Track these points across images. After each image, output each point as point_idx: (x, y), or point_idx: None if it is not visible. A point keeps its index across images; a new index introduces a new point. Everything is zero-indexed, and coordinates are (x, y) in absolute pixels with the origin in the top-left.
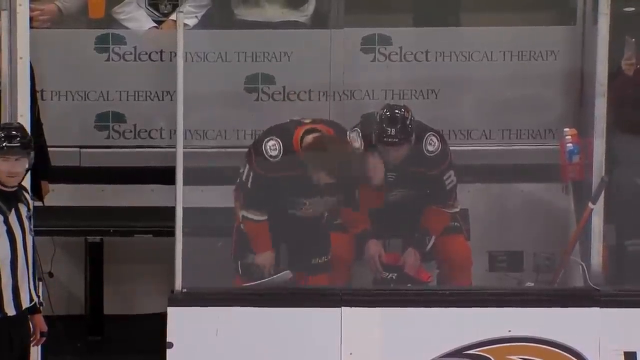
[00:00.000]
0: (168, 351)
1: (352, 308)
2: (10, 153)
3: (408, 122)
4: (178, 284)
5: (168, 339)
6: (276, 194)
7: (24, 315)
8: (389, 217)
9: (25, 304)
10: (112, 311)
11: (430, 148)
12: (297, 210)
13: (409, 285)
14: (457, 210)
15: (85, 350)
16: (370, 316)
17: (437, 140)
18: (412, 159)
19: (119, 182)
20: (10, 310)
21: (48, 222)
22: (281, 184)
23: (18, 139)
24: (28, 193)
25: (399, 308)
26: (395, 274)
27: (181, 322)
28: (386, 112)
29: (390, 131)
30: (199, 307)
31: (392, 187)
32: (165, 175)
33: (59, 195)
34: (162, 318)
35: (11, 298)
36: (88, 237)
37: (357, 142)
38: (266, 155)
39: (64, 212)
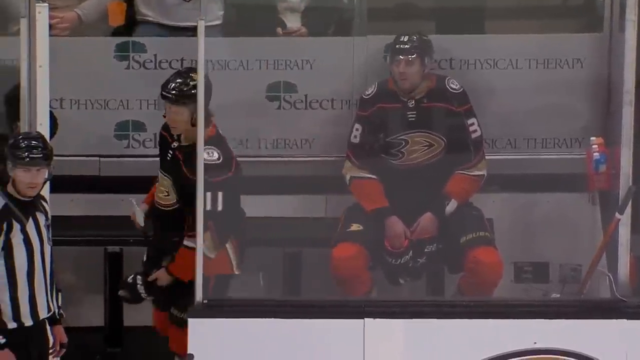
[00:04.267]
0: None
1: (375, 319)
2: (31, 164)
3: (421, 37)
4: (199, 295)
5: (189, 351)
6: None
7: (41, 325)
8: (407, 185)
9: (43, 314)
10: (131, 322)
11: (453, 86)
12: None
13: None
14: (483, 174)
15: None
16: (393, 327)
17: (459, 84)
18: (435, 95)
19: (139, 192)
20: (27, 321)
21: (67, 231)
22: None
23: (39, 149)
24: (46, 202)
25: (423, 319)
26: (434, 246)
27: (202, 334)
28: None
29: (403, 38)
30: (220, 319)
31: (414, 127)
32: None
33: (77, 204)
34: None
35: (28, 308)
36: (107, 247)
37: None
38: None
39: (83, 222)
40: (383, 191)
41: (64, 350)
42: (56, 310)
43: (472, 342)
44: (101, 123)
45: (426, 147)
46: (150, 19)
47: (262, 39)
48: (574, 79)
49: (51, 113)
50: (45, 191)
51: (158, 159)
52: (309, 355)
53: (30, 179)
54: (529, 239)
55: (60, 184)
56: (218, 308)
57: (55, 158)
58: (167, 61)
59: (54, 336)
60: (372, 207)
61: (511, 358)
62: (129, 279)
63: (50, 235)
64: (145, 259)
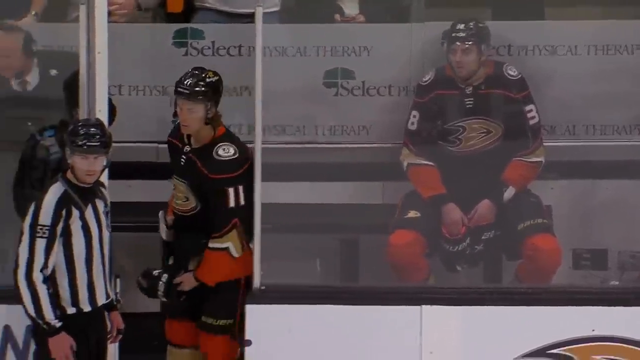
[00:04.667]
0: (247, 349)
1: (432, 306)
2: (89, 152)
3: (478, 24)
4: (256, 281)
5: (246, 337)
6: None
7: (100, 311)
8: (465, 172)
9: (101, 300)
10: None
11: (511, 72)
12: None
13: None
14: (541, 160)
15: (161, 348)
16: (451, 314)
17: (517, 70)
18: (492, 81)
19: None
20: (86, 307)
21: (125, 218)
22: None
23: (97, 137)
24: (105, 189)
25: (480, 307)
26: (492, 233)
27: (259, 320)
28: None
29: (459, 26)
30: (277, 305)
31: (471, 114)
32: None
33: (135, 191)
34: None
35: (86, 294)
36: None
37: None
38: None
39: (141, 208)
40: (440, 178)
41: (120, 336)
42: (114, 297)
43: (530, 330)
44: (159, 109)
45: (484, 134)
46: (209, 5)
47: (319, 26)
48: (633, 66)
49: (110, 100)
50: (104, 177)
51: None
52: (366, 342)
53: (88, 167)
54: (588, 226)
55: (118, 170)
56: (275, 294)
57: (113, 144)
58: (225, 48)
59: (112, 322)
60: (429, 194)
61: (569, 345)
62: (154, 272)
63: (109, 222)
64: (171, 262)
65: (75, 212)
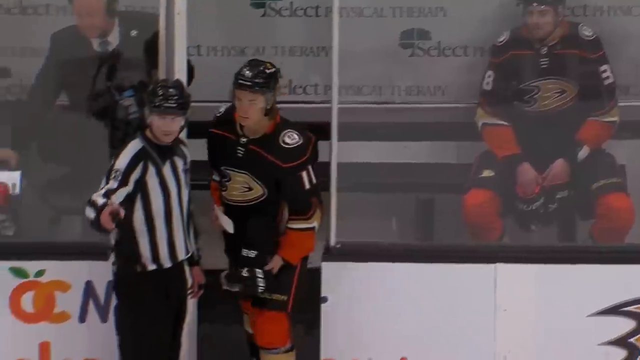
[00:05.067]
0: (323, 305)
1: (507, 264)
2: (167, 112)
3: None
4: (332, 239)
5: (322, 294)
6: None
7: (180, 267)
8: (539, 132)
9: (181, 256)
10: None
11: (587, 33)
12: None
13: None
14: (615, 120)
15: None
16: (525, 272)
17: (592, 31)
18: (567, 42)
19: None
20: (166, 263)
21: (203, 175)
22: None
23: (176, 98)
24: (186, 147)
25: (554, 265)
26: (565, 192)
27: (335, 277)
28: None
29: None
30: (352, 262)
31: (546, 74)
32: (320, 131)
33: None
34: (316, 273)
35: (166, 250)
36: None
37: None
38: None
39: None
40: (515, 138)
41: (201, 292)
42: (195, 252)
43: (603, 288)
44: (236, 70)
45: (558, 94)
46: None
47: None
48: None
49: (188, 60)
50: (183, 136)
51: (293, 105)
52: (441, 300)
53: (165, 127)
54: None
55: (197, 130)
56: (351, 252)
57: (192, 104)
58: (302, 9)
59: (193, 277)
60: (503, 153)
61: None
62: (243, 273)
63: (188, 180)
64: (246, 254)
65: (152, 168)
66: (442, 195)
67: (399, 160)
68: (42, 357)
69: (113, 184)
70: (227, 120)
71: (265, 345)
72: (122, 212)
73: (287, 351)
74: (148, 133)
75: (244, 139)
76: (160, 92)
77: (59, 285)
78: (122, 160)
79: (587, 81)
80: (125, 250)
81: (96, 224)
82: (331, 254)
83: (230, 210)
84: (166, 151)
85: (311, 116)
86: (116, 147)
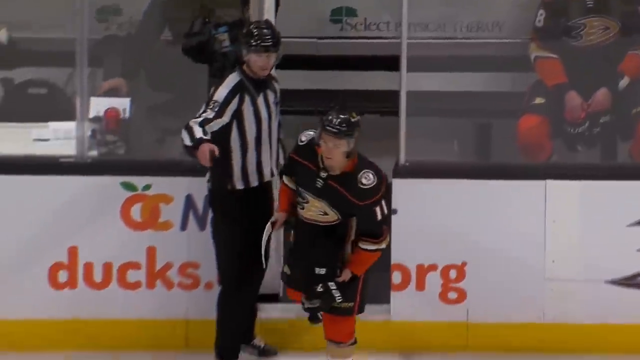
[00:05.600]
0: (393, 217)
1: (556, 181)
2: (262, 50)
3: None
4: (402, 158)
5: (393, 206)
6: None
7: (267, 186)
8: (585, 64)
9: (267, 177)
10: None
11: None
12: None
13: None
14: None
15: None
16: (572, 188)
17: None
18: None
19: (350, 69)
20: (254, 182)
21: (291, 102)
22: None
23: (269, 37)
24: (277, 82)
25: (598, 181)
26: (608, 117)
27: (404, 192)
28: None
29: None
30: (419, 179)
31: (592, 13)
32: (390, 63)
33: (296, 80)
34: (386, 188)
35: (255, 172)
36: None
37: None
38: None
39: (303, 95)
40: (563, 69)
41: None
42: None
43: None
44: (318, 8)
45: (602, 30)
46: None
47: None
48: None
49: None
50: (273, 72)
51: (367, 40)
52: (497, 212)
53: (262, 63)
54: None
55: (283, 62)
56: (418, 169)
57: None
58: None
59: None
60: (553, 82)
61: None
62: (318, 289)
63: (278, 111)
64: (321, 271)
65: (248, 99)
66: (499, 120)
67: (461, 89)
68: (149, 260)
69: (210, 114)
70: (309, 150)
71: (332, 339)
72: (217, 151)
73: (351, 344)
74: (245, 68)
75: (324, 174)
76: (256, 33)
77: (163, 198)
78: (221, 92)
79: (628, 19)
80: (219, 171)
81: (189, 151)
82: (400, 172)
83: (303, 225)
84: (260, 84)
85: (383, 50)
86: (215, 77)
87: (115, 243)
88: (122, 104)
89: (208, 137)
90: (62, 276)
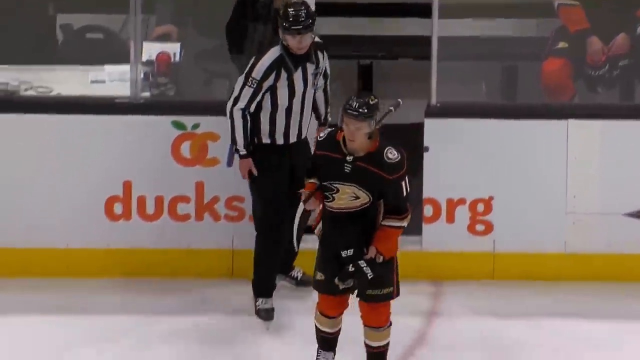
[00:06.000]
0: (425, 154)
1: (577, 120)
2: (294, 33)
3: None
4: (433, 99)
5: (425, 144)
6: None
7: (292, 146)
8: (606, 9)
9: (293, 140)
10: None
11: None
12: None
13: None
14: None
15: None
16: (593, 126)
17: None
18: None
19: (385, 16)
20: (279, 141)
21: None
22: None
23: (303, 19)
24: (322, 51)
25: (617, 120)
26: (627, 60)
27: (435, 130)
28: None
29: None
30: (449, 118)
31: None
32: (423, 11)
33: (333, 26)
34: (420, 127)
35: (282, 134)
36: (360, 60)
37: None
38: None
39: (340, 40)
40: (585, 15)
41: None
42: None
43: None
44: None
45: None
46: None
47: None
48: None
49: None
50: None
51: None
52: (523, 149)
53: (298, 43)
54: None
55: (320, 9)
56: (448, 110)
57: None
58: None
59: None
60: (575, 28)
61: None
62: (349, 269)
63: (316, 81)
64: (348, 253)
65: (284, 75)
66: (524, 63)
67: (489, 34)
68: (198, 194)
69: (248, 91)
70: (330, 142)
71: (372, 325)
72: (255, 171)
73: (388, 326)
74: (285, 43)
75: (350, 157)
76: (291, 14)
77: (210, 136)
78: (259, 69)
79: None
80: (251, 125)
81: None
82: (432, 112)
83: (333, 217)
84: (300, 58)
85: None
86: (255, 20)
87: (166, 178)
88: (173, 48)
89: (250, 148)
90: (117, 208)
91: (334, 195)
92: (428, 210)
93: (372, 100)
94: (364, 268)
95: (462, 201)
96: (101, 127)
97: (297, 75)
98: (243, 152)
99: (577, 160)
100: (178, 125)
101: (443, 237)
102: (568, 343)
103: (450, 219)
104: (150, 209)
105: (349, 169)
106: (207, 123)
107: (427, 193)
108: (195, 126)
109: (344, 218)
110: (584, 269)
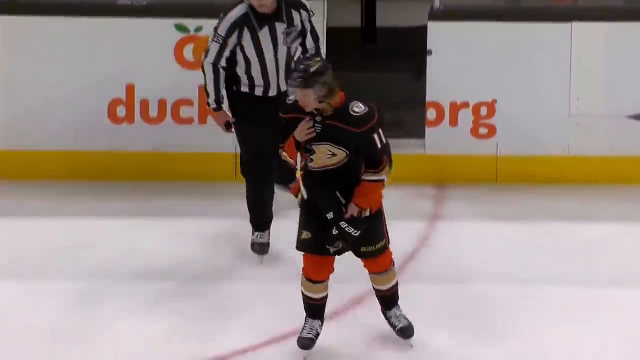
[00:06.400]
0: (428, 57)
1: (581, 22)
2: None
3: None
4: (437, 2)
5: (428, 47)
6: None
7: (271, 98)
8: None
9: (273, 93)
10: (383, 23)
11: None
12: None
13: None
14: None
15: (360, 56)
16: (598, 28)
17: None
18: None
19: None
20: (258, 92)
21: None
22: None
23: None
24: (298, 11)
25: (622, 22)
26: None
27: (439, 35)
28: None
29: None
30: (453, 22)
31: None
32: None
33: None
34: (423, 30)
35: (260, 85)
36: None
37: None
38: None
39: None
40: None
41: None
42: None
43: None
44: None
45: None
46: None
47: None
48: None
49: None
50: None
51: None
52: (527, 51)
53: (257, 1)
54: None
55: None
56: (452, 12)
57: None
58: None
59: None
60: None
61: None
62: (333, 232)
63: (290, 39)
64: (330, 215)
65: (247, 34)
66: None
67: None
68: (201, 98)
69: (215, 47)
70: (299, 105)
71: (375, 271)
72: (232, 121)
73: (392, 266)
74: (252, 1)
75: (319, 117)
76: None
77: None
78: (223, 26)
79: None
80: (230, 74)
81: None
82: (435, 15)
83: (315, 176)
84: (267, 17)
85: None
86: None
87: (169, 81)
88: None
89: (224, 100)
90: (120, 111)
91: (311, 156)
92: (431, 114)
93: (313, 67)
94: (346, 228)
95: (465, 104)
96: (104, 29)
97: (264, 34)
98: (213, 105)
99: (580, 62)
100: (181, 28)
101: (446, 141)
102: (570, 244)
103: (454, 122)
104: (153, 112)
105: (319, 128)
106: (210, 26)
107: (430, 96)
108: (198, 29)
109: (325, 176)
110: (587, 172)
